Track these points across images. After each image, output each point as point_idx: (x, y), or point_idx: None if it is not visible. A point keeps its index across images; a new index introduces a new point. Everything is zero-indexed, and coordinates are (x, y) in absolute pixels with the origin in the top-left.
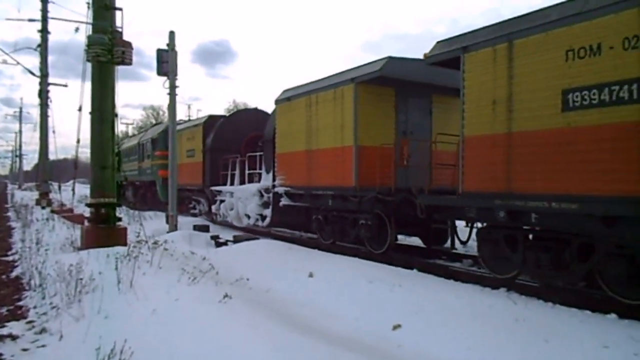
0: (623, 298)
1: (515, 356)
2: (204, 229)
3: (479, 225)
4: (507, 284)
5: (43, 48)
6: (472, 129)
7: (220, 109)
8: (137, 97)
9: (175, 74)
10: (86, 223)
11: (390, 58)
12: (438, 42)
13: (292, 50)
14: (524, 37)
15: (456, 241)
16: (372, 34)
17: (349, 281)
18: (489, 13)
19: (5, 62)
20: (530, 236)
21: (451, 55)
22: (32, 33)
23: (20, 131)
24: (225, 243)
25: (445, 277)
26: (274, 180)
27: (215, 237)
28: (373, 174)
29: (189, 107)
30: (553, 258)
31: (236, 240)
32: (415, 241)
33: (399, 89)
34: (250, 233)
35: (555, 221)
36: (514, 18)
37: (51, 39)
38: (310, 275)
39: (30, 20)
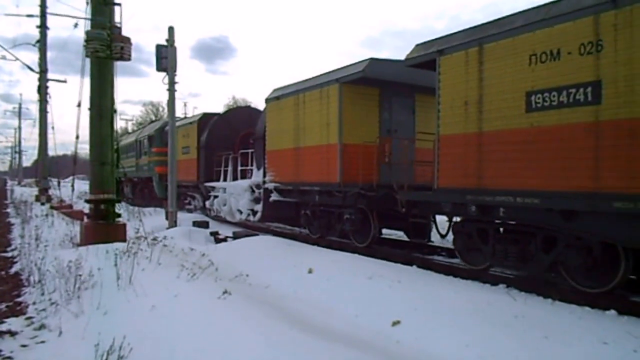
0: (583, 287)
1: (514, 352)
2: (204, 225)
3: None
4: (506, 280)
5: (42, 44)
6: (447, 129)
7: (219, 105)
8: (136, 93)
9: (175, 70)
10: (85, 219)
11: (372, 59)
12: (417, 45)
13: (292, 46)
14: (493, 41)
15: (435, 234)
16: (371, 30)
17: (348, 277)
18: (488, 8)
19: (4, 57)
20: (501, 229)
21: (428, 57)
22: (31, 29)
23: (20, 127)
24: (224, 239)
25: (445, 274)
26: (264, 176)
27: (214, 234)
28: (356, 170)
29: (185, 105)
30: (520, 250)
31: (236, 236)
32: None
33: (383, 88)
34: (250, 229)
35: (520, 215)
36: (485, 23)
37: (50, 34)
38: (310, 271)
39: (29, 15)
